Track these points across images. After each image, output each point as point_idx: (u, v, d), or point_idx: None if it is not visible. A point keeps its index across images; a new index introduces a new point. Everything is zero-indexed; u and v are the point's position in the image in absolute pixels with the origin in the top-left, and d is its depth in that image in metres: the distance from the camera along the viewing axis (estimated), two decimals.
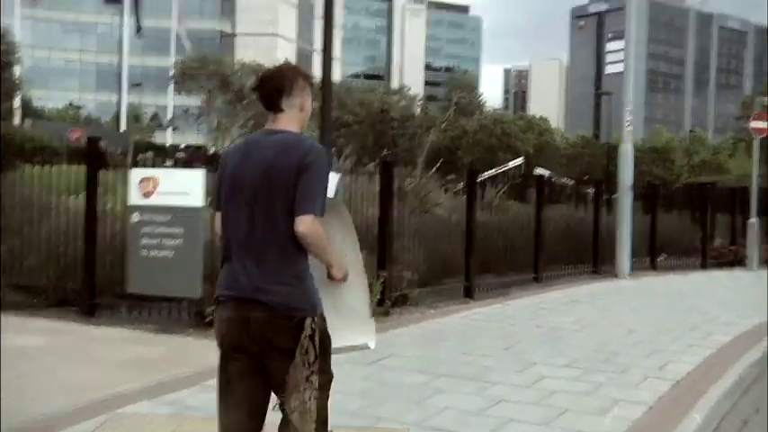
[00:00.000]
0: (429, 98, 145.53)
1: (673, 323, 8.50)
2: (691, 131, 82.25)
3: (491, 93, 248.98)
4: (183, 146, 41.27)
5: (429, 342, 7.09)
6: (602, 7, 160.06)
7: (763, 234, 17.69)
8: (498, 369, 5.98)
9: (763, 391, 6.10)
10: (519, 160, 37.58)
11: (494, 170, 26.96)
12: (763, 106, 16.44)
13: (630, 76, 13.94)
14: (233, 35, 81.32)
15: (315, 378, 2.88)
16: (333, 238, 3.07)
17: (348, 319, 3.26)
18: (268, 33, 79.93)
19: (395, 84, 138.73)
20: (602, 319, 8.61)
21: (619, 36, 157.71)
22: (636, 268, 14.01)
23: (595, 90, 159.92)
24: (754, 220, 15.98)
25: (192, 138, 56.35)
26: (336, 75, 57.55)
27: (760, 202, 17.71)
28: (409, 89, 53.66)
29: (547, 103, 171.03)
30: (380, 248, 8.63)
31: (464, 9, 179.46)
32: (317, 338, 2.88)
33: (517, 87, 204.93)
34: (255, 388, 2.94)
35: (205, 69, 45.60)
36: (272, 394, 2.94)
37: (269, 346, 2.87)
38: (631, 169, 13.21)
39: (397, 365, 6.02)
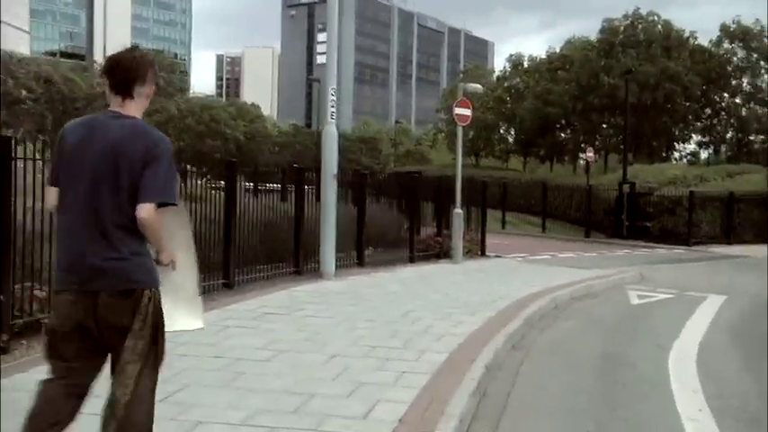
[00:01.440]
0: None
1: (382, 338, 7.09)
2: (396, 122, 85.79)
3: (203, 79, 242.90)
4: None
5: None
6: None
7: (468, 224, 17.57)
8: None
9: None
10: None
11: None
12: (465, 94, 16.09)
13: (334, 56, 12.50)
14: None
15: (144, 343, 3.09)
16: (170, 228, 3.24)
17: (176, 302, 3.39)
18: None
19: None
20: (300, 341, 6.93)
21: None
22: (342, 265, 12.71)
23: (307, 80, 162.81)
24: (459, 211, 15.54)
25: None
26: (24, 48, 51.00)
27: (464, 191, 17.48)
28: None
29: (260, 91, 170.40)
30: None
31: None
32: (153, 309, 3.10)
33: (230, 75, 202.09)
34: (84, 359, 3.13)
35: None
36: None
37: (109, 325, 3.05)
38: (335, 155, 11.80)
39: None
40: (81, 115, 3.86)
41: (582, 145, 46.70)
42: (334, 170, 11.83)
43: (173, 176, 3.15)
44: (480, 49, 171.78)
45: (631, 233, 26.40)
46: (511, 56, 54.76)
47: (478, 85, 16.83)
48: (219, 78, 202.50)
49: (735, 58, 43.99)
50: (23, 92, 28.65)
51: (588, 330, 8.90)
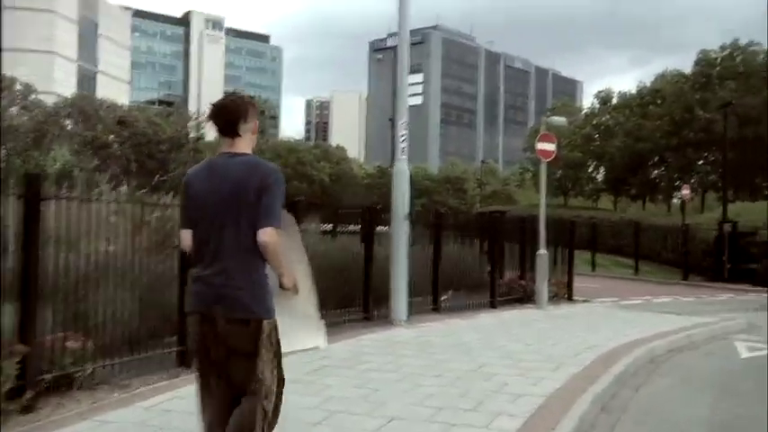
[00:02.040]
0: None
1: (449, 397, 6.23)
2: (483, 162, 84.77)
3: (292, 123, 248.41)
4: None
5: None
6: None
7: (554, 266, 16.49)
8: None
9: None
10: None
11: None
12: (547, 128, 15.17)
13: (405, 89, 11.83)
14: None
15: (275, 375, 3.50)
16: (284, 252, 3.50)
17: (300, 324, 3.71)
18: (43, 50, 72.88)
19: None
20: (356, 399, 6.15)
21: (416, 70, 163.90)
22: (417, 311, 11.88)
23: (391, 120, 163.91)
24: (543, 252, 14.52)
25: None
26: (124, 98, 52.91)
27: (549, 231, 16.43)
28: (194, 114, 49.61)
29: (348, 134, 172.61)
30: (21, 305, 5.65)
31: (264, 38, 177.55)
32: (274, 339, 3.48)
33: (318, 118, 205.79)
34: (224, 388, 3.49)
35: None
36: None
37: (230, 350, 3.41)
38: (407, 194, 11.06)
39: None
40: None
41: (676, 183, 44.56)
42: (406, 210, 11.10)
43: (281, 204, 3.50)
44: (569, 88, 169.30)
45: (734, 276, 24.57)
46: (600, 92, 53.15)
47: (563, 118, 15.90)
48: (308, 122, 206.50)
49: None
50: (111, 136, 29.29)
51: (691, 390, 7.76)
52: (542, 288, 14.38)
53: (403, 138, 11.14)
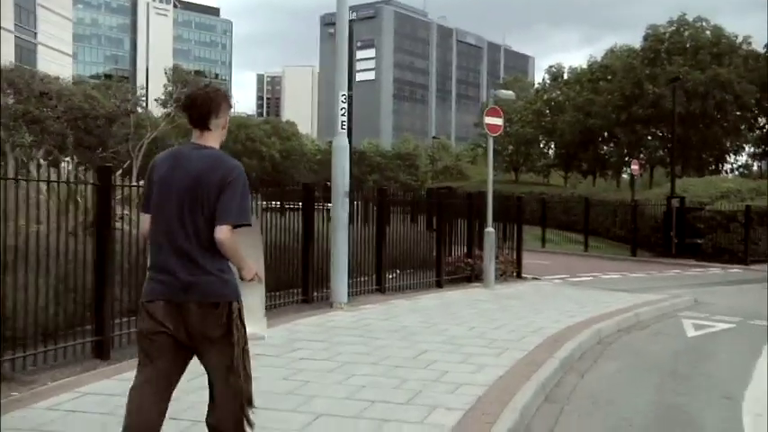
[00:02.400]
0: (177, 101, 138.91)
1: (384, 389, 5.79)
2: (434, 138, 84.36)
3: (244, 99, 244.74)
4: None
5: None
6: (351, 16, 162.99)
7: (503, 242, 16.19)
8: None
9: None
10: None
11: None
12: (495, 102, 14.74)
13: (344, 58, 11.29)
14: None
15: (247, 357, 3.57)
16: (243, 246, 3.59)
17: (247, 315, 3.71)
18: None
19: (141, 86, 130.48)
20: (283, 395, 5.67)
21: (368, 45, 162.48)
22: (359, 291, 11.46)
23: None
24: (490, 229, 14.18)
25: None
26: (66, 72, 50.94)
27: (497, 208, 16.12)
28: (141, 87, 47.69)
29: (301, 110, 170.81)
30: None
31: (214, 11, 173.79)
32: (242, 320, 3.55)
33: (270, 94, 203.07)
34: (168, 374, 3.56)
35: None
36: None
37: (201, 336, 3.46)
38: (347, 170, 10.55)
39: None
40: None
41: (626, 158, 44.77)
42: (346, 186, 10.59)
43: (246, 200, 3.53)
44: (521, 64, 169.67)
45: (681, 251, 24.66)
46: (550, 68, 52.88)
47: (510, 92, 15.47)
48: (260, 98, 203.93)
49: None
50: (44, 110, 27.98)
51: (639, 373, 7.46)
52: (490, 267, 14.06)
53: (343, 111, 10.62)
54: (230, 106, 3.74)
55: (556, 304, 11.72)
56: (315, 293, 10.73)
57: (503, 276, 15.64)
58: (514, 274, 16.37)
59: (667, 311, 12.11)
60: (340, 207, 10.47)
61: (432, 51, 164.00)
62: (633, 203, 27.09)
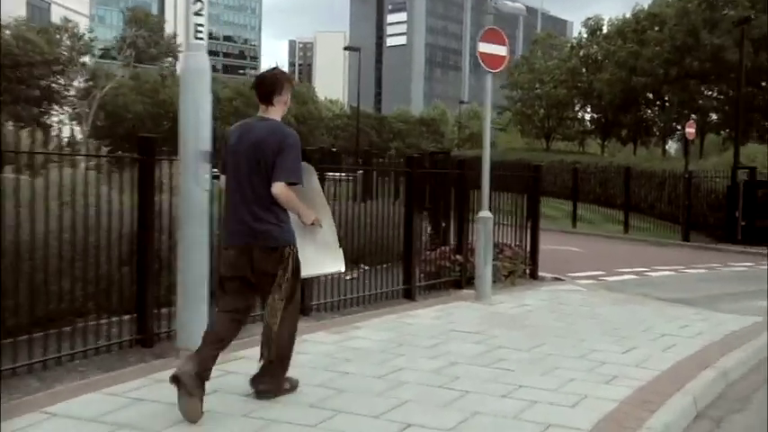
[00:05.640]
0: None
1: None
2: (461, 102, 78.56)
3: (277, 65, 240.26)
4: None
5: None
6: None
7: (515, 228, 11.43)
8: None
9: None
10: None
11: None
12: (498, 17, 9.84)
13: None
14: None
15: (286, 286, 4.46)
16: (305, 195, 4.57)
17: (321, 252, 4.79)
18: None
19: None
20: None
21: (399, 8, 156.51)
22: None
23: (376, 63, 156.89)
24: (485, 214, 9.35)
25: None
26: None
27: (503, 181, 11.36)
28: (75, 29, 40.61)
29: (332, 76, 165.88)
30: None
31: None
32: (291, 262, 4.46)
33: (302, 60, 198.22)
34: (244, 309, 4.62)
35: None
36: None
37: (261, 272, 4.43)
38: (205, 114, 5.76)
39: None
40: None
41: (674, 123, 39.10)
42: (206, 143, 5.85)
43: (297, 162, 4.43)
44: (559, 28, 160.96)
45: (749, 236, 19.53)
46: (588, 20, 46.42)
47: (519, 4, 10.52)
48: (291, 64, 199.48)
49: None
50: None
51: None
52: (485, 271, 9.25)
53: (199, 11, 5.82)
54: (293, 86, 4.79)
55: (581, 344, 6.89)
56: (158, 328, 6.13)
57: (509, 278, 10.87)
58: (527, 272, 11.57)
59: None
60: (192, 180, 5.75)
61: (466, 15, 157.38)
62: (687, 175, 21.88)
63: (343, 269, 5.03)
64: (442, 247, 10.37)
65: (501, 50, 9.47)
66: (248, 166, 4.34)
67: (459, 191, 10.52)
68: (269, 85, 4.51)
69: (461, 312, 8.48)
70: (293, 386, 4.80)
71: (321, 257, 4.80)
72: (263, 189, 4.30)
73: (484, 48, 9.32)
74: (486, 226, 9.30)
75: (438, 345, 6.67)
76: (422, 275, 9.78)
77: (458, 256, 10.22)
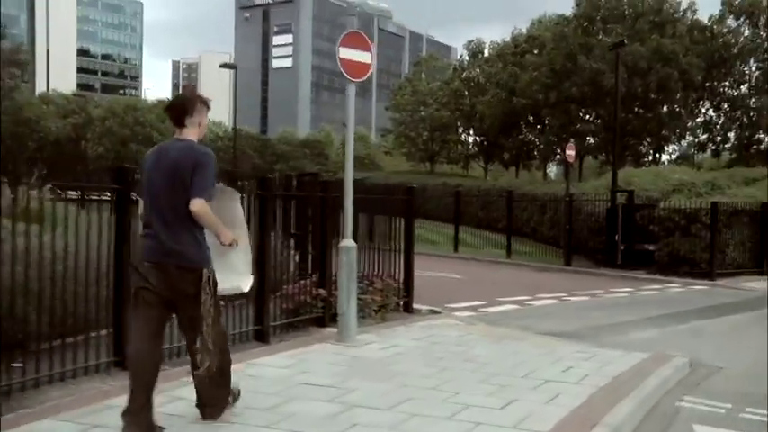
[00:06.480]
0: (83, 87, 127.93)
1: None
2: (343, 125, 77.58)
3: (160, 87, 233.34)
4: None
5: None
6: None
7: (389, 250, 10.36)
8: None
9: None
10: None
11: None
12: (354, 23, 8.71)
13: None
14: None
15: (213, 310, 4.50)
16: (223, 215, 4.62)
17: (230, 271, 4.81)
18: None
19: (41, 70, 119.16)
20: None
21: (285, 30, 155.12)
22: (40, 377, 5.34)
23: (262, 85, 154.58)
24: (348, 243, 8.19)
25: None
26: None
27: (375, 205, 10.32)
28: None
29: (218, 97, 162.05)
30: None
31: None
32: (212, 283, 4.48)
33: (186, 81, 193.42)
34: (158, 319, 4.59)
35: None
36: None
37: (179, 293, 4.44)
38: None
39: None
40: None
41: (554, 147, 39.44)
42: None
43: (212, 180, 4.51)
44: (443, 54, 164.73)
45: (629, 260, 19.28)
46: (470, 43, 46.66)
47: (382, 5, 9.50)
48: (176, 85, 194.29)
49: (740, 39, 36.60)
50: None
51: None
52: (348, 307, 8.08)
53: None
54: (207, 107, 4.74)
55: (454, 398, 5.80)
56: None
57: (380, 313, 9.77)
58: (400, 305, 10.50)
59: (659, 403, 6.45)
60: None
61: None
62: (568, 198, 21.58)
63: (246, 289, 5.14)
64: (302, 281, 9.14)
65: (364, 57, 8.36)
66: (166, 187, 4.40)
67: (320, 216, 9.34)
68: (179, 107, 4.62)
69: (318, 358, 7.27)
70: (235, 397, 5.06)
71: (230, 276, 4.85)
72: (182, 208, 4.35)
73: (345, 53, 8.18)
74: (349, 256, 8.14)
75: (279, 406, 5.43)
76: (279, 313, 8.53)
77: (320, 290, 9.01)
